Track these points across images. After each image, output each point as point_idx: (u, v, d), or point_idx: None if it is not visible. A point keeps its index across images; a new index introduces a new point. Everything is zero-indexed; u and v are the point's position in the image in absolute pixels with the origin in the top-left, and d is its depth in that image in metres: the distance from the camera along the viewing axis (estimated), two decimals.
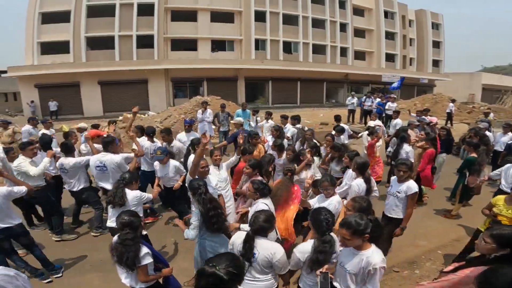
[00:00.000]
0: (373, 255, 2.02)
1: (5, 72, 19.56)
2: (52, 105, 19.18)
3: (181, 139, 5.63)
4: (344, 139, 6.15)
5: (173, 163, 4.36)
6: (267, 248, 2.30)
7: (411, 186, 3.37)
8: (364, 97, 13.76)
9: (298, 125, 6.77)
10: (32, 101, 19.42)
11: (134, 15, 21.53)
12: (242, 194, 3.81)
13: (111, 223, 3.22)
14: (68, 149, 4.41)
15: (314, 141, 5.27)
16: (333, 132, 5.84)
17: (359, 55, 29.93)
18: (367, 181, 3.48)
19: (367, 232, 2.01)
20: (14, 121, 12.30)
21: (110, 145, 4.16)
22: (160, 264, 2.51)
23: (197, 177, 3.29)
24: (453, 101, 14.72)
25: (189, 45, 23.35)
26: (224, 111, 9.02)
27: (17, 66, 19.52)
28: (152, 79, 21.27)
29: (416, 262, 3.97)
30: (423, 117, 7.83)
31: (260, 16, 24.34)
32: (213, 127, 10.74)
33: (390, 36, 30.92)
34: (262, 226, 2.31)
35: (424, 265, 3.92)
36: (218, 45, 24.26)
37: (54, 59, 20.53)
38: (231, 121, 8.10)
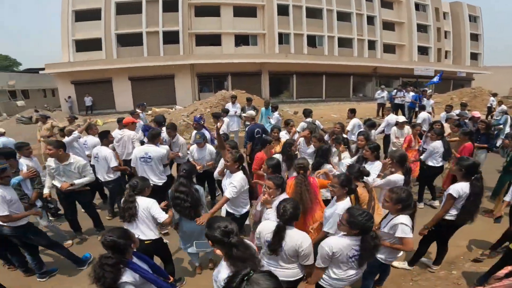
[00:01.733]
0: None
1: (43, 69, 20.88)
2: (88, 101, 20.27)
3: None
4: (374, 134, 5.96)
5: (209, 147, 4.74)
6: (295, 238, 2.31)
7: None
8: (395, 90, 13.16)
9: (308, 119, 6.56)
10: (69, 97, 20.60)
11: (160, 11, 22.09)
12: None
13: None
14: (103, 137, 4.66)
15: (344, 135, 5.15)
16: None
17: (389, 48, 28.77)
18: (407, 173, 3.42)
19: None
20: (52, 116, 13.15)
21: (156, 137, 4.32)
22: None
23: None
24: (494, 95, 13.70)
25: (213, 40, 23.62)
26: (250, 105, 9.03)
27: (53, 63, 20.59)
28: (179, 74, 21.77)
29: (454, 262, 3.76)
30: (465, 111, 7.38)
31: (283, 10, 24.03)
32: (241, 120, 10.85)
33: (422, 28, 29.44)
34: (292, 214, 2.31)
35: (463, 266, 3.71)
36: (242, 39, 24.30)
37: (88, 56, 21.59)
38: (243, 115, 8.12)
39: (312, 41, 25.69)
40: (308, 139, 4.79)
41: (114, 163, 4.42)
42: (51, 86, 25.48)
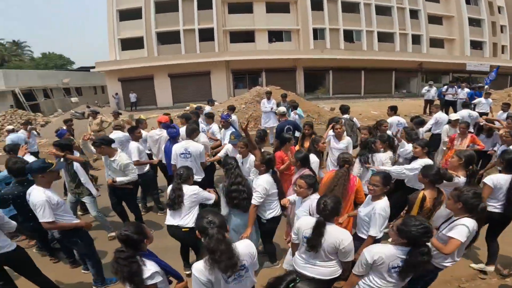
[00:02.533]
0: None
1: (93, 67, 22.73)
2: (132, 97, 21.61)
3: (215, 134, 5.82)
4: (422, 132, 5.60)
5: None
6: (335, 234, 2.26)
7: None
8: (446, 86, 12.14)
9: (346, 116, 6.30)
10: (117, 94, 22.14)
11: (195, 9, 22.78)
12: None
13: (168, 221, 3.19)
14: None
15: (388, 132, 4.91)
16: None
17: (437, 43, 26.88)
18: (472, 175, 3.26)
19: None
20: (101, 112, 14.29)
21: (194, 132, 4.45)
22: (170, 276, 2.19)
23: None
24: None
25: (247, 37, 23.83)
26: (286, 101, 8.99)
27: (102, 62, 22.24)
28: (214, 70, 22.29)
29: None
30: None
31: (317, 5, 23.47)
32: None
33: (475, 22, 27.22)
34: (333, 209, 2.27)
35: None
36: (275, 35, 24.21)
37: (132, 55, 22.98)
38: (275, 111, 8.03)
39: (349, 36, 24.91)
40: (340, 134, 4.69)
41: (135, 157, 4.50)
42: (101, 83, 27.62)
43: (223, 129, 5.64)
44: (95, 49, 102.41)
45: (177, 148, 4.30)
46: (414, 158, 3.82)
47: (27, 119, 9.95)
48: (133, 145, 4.68)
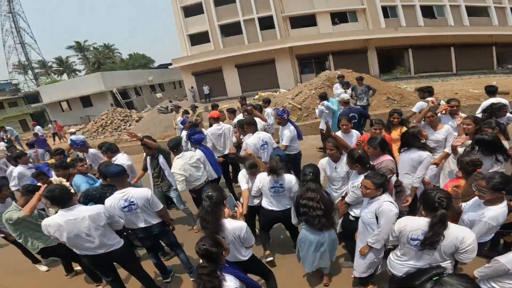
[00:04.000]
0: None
1: (171, 64, 25.04)
2: (206, 89, 23.23)
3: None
4: None
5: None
6: (455, 233, 2.00)
7: None
8: None
9: (429, 98, 5.10)
10: (192, 87, 24.08)
11: None
12: None
13: None
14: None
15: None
16: None
17: None
18: None
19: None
20: (181, 105, 15.66)
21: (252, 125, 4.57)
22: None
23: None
24: None
25: (308, 21, 22.88)
26: (362, 84, 8.32)
27: (177, 58, 24.13)
28: (279, 58, 22.15)
29: None
30: None
31: None
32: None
33: None
34: (449, 204, 2.03)
35: None
36: (339, 17, 22.65)
37: (201, 49, 24.33)
38: (336, 99, 6.88)
39: (429, 11, 22.22)
40: (435, 123, 3.81)
41: None
42: (178, 78, 30.28)
43: (280, 127, 4.91)
44: (169, 47, 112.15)
45: (255, 141, 4.43)
46: None
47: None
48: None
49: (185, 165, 3.88)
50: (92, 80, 24.08)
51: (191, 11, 24.40)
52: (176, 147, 3.95)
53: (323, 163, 3.46)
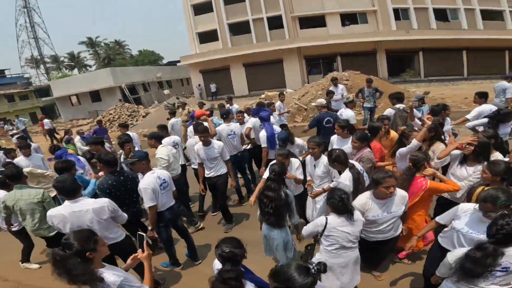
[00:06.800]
0: None
1: (179, 61, 25.20)
2: (213, 87, 23.34)
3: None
4: None
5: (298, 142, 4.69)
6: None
7: None
8: None
9: (397, 105, 5.14)
10: (199, 85, 24.25)
11: None
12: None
13: None
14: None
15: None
16: None
17: None
18: None
19: None
20: (188, 102, 15.78)
21: (229, 114, 5.16)
22: None
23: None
24: None
25: (317, 22, 22.68)
26: (371, 86, 8.25)
27: (186, 56, 24.38)
28: (286, 58, 22.10)
29: None
30: None
31: None
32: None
33: None
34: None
35: None
36: (349, 18, 22.41)
37: (209, 47, 24.40)
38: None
39: (443, 14, 21.72)
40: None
41: None
42: (186, 75, 30.52)
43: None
44: (179, 44, 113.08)
45: (225, 130, 5.02)
46: None
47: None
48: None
49: (169, 153, 4.26)
50: (102, 75, 24.40)
51: (200, 9, 24.51)
52: (159, 138, 4.44)
53: (307, 159, 3.71)
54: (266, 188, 2.79)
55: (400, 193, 2.62)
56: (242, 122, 5.59)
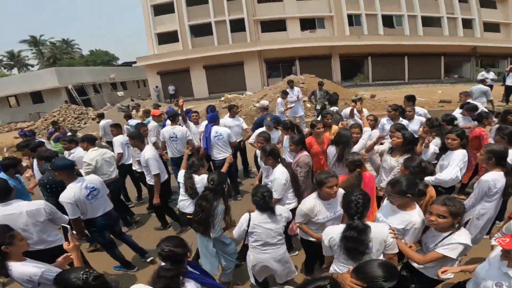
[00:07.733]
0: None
1: (135, 62, 24.02)
2: (171, 89, 22.54)
3: (226, 123, 5.51)
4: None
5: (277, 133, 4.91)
6: (378, 230, 2.07)
7: None
8: (510, 72, 10.75)
9: (332, 108, 5.59)
10: (157, 86, 23.31)
11: (224, 0, 22.65)
12: None
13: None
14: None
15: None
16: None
17: (491, 27, 24.61)
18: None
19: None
20: (143, 104, 15.12)
21: (176, 116, 5.13)
22: None
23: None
24: None
25: (278, 26, 23.39)
26: (322, 89, 8.67)
27: (143, 57, 23.36)
28: (247, 61, 22.34)
29: None
30: None
31: None
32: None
33: None
34: (365, 205, 2.07)
35: None
36: (308, 23, 23.47)
37: (169, 48, 23.67)
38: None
39: (389, 21, 23.57)
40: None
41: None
42: (143, 77, 29.19)
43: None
44: (136, 45, 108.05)
45: (213, 131, 4.92)
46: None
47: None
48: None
49: (98, 157, 4.11)
50: (46, 75, 22.27)
51: (161, 10, 23.80)
52: (91, 141, 4.34)
53: (257, 152, 3.99)
54: (201, 197, 2.81)
55: (341, 192, 2.62)
56: (196, 122, 5.68)
